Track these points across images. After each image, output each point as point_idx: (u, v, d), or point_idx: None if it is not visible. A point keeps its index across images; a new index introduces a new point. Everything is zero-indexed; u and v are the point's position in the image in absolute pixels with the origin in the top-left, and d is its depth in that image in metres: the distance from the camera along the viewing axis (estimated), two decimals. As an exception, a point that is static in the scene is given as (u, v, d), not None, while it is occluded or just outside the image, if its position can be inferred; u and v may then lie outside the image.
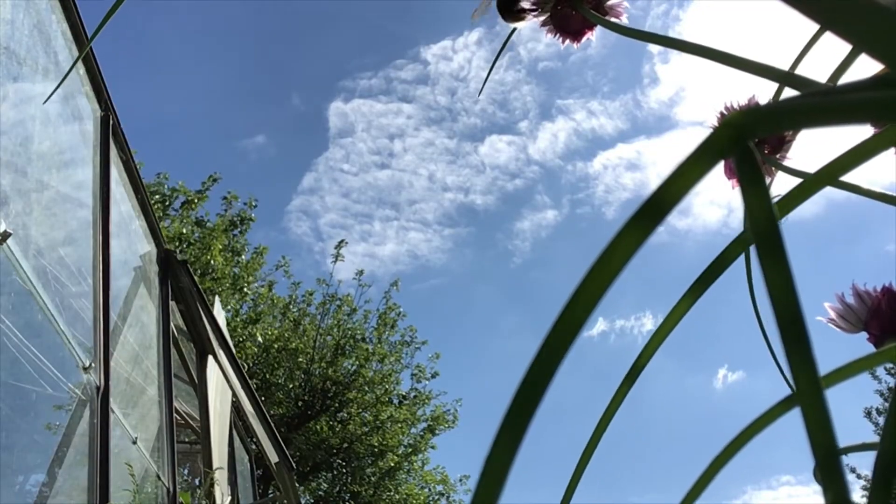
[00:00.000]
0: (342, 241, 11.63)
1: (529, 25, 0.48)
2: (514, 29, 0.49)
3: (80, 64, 2.53)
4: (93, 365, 2.45)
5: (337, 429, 10.67)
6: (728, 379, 20.49)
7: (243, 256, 10.35)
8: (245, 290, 10.03)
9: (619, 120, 19.12)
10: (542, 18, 0.48)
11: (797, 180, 0.38)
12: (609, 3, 0.47)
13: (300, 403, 10.66)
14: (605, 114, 19.15)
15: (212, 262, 8.94)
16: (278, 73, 19.46)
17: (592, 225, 19.36)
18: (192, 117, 19.17)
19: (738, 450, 0.21)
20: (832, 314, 0.42)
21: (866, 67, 0.39)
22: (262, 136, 18.34)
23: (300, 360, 10.73)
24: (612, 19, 0.46)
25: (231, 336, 8.11)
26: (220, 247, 9.15)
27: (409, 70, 17.46)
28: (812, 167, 0.37)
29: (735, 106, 0.47)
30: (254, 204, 10.79)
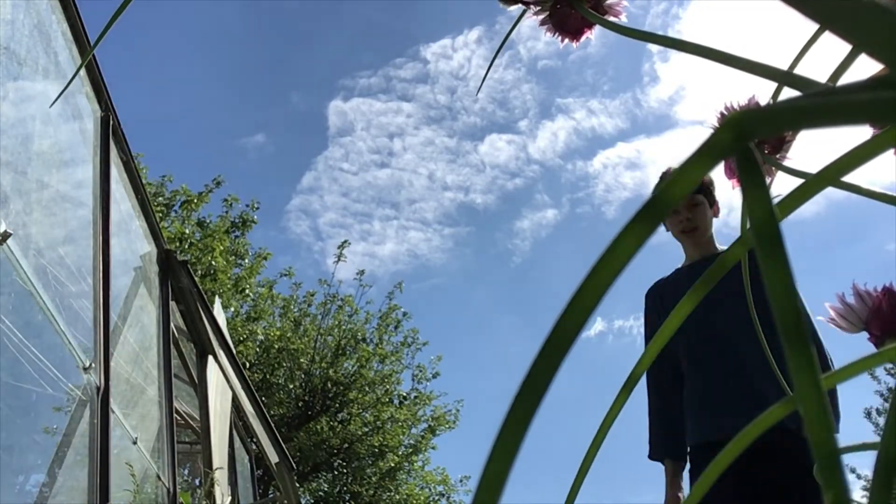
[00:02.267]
0: (345, 241, 11.63)
1: (529, 24, 0.48)
2: (513, 27, 0.49)
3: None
4: (93, 365, 2.44)
5: (337, 429, 10.67)
6: (728, 379, 20.49)
7: (246, 260, 10.35)
8: (246, 290, 10.03)
9: (618, 119, 19.14)
10: (541, 17, 0.48)
11: (797, 180, 0.38)
12: (608, 2, 0.47)
13: (301, 404, 10.66)
14: (604, 112, 19.17)
15: (213, 263, 8.95)
16: (278, 72, 19.48)
17: (592, 224, 19.39)
18: (192, 116, 19.19)
19: (741, 450, 0.21)
20: (833, 314, 0.42)
21: (866, 68, 0.39)
22: (261, 135, 18.36)
23: (301, 360, 10.73)
24: (611, 18, 0.46)
25: (231, 334, 8.10)
26: (222, 248, 9.15)
27: (409, 69, 17.48)
28: (812, 167, 0.37)
29: (735, 106, 0.47)
30: (256, 206, 10.79)
